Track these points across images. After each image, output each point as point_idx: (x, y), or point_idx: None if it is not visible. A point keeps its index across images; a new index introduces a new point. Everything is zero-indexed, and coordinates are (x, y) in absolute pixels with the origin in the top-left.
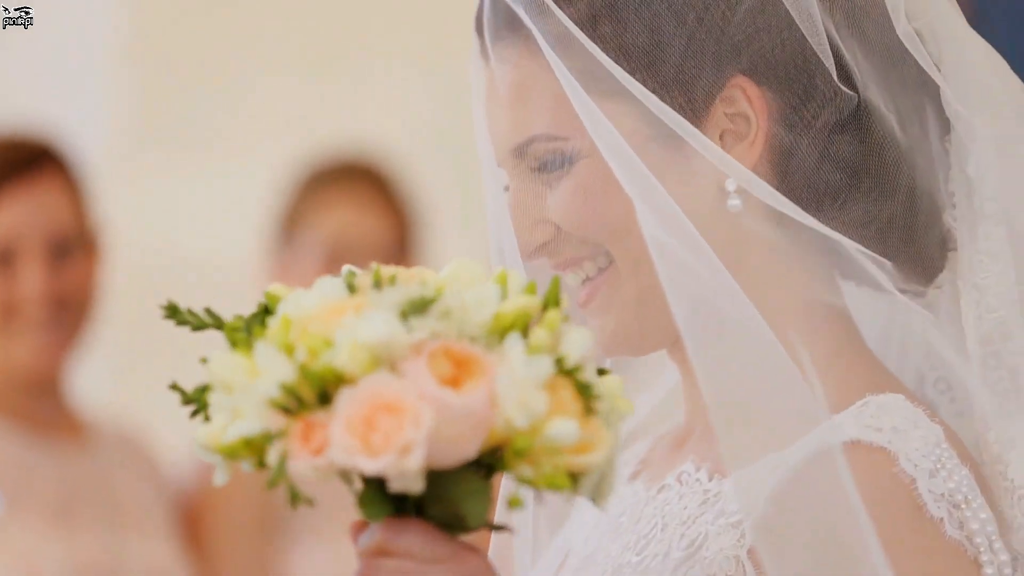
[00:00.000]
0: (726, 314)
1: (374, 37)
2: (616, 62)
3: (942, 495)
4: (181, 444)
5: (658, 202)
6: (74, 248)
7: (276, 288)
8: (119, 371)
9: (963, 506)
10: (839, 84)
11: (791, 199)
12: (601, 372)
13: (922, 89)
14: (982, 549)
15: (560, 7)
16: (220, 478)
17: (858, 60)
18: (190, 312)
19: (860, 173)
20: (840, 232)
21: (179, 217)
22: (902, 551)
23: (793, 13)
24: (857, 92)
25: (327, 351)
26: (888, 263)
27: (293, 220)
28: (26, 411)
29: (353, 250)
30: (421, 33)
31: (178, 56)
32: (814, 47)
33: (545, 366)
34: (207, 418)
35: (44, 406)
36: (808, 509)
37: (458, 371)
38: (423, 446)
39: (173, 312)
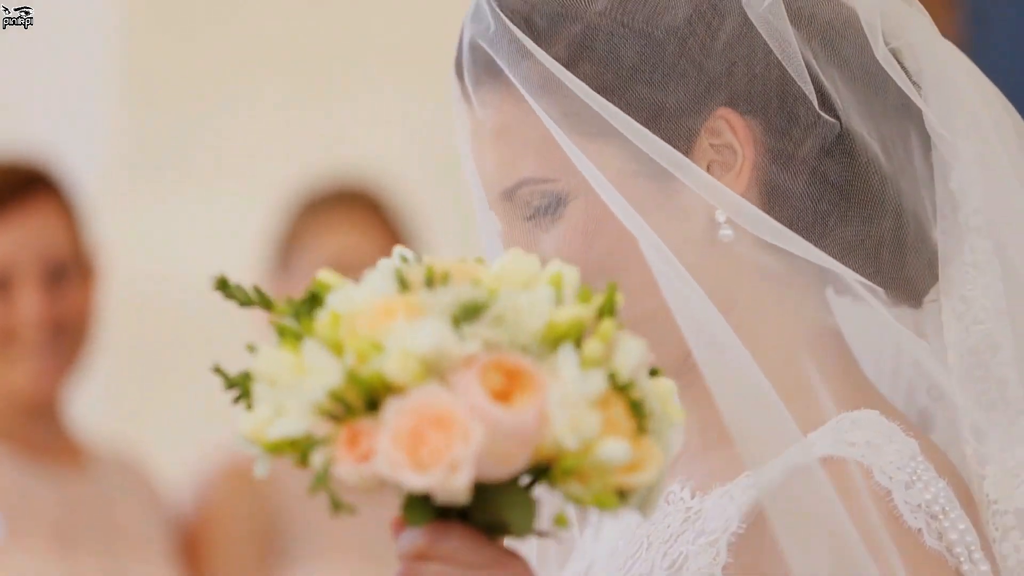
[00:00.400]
0: (715, 339)
1: (370, 61)
2: (596, 101)
3: (919, 506)
4: (179, 468)
5: (650, 237)
6: (70, 273)
7: (325, 275)
8: (116, 395)
9: (941, 517)
10: (820, 112)
11: (782, 225)
12: (653, 373)
13: (904, 112)
14: (962, 559)
15: (541, 48)
16: (261, 470)
17: (838, 88)
18: (239, 288)
19: (847, 197)
20: (830, 255)
21: (175, 241)
22: (882, 562)
23: (770, 43)
24: (839, 120)
25: (376, 356)
26: (880, 290)
27: (290, 244)
28: (25, 436)
29: (351, 274)
30: (417, 57)
31: (174, 80)
32: (794, 76)
33: (598, 383)
34: (249, 406)
35: (42, 430)
36: (780, 526)
37: (509, 384)
38: (472, 463)
39: (222, 285)
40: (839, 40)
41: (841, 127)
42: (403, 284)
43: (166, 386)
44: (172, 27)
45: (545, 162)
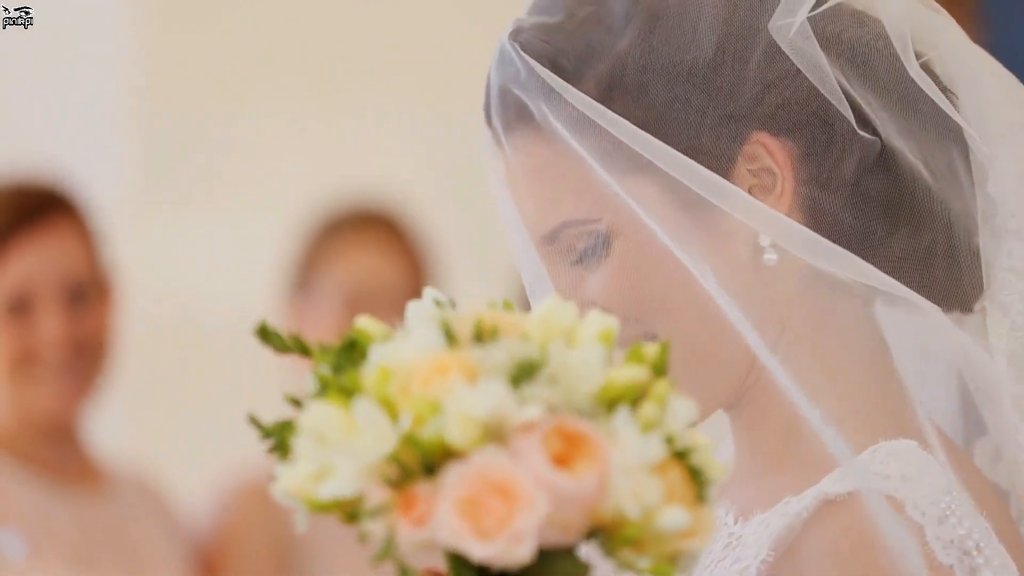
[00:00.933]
0: (762, 367)
1: (389, 81)
2: (632, 135)
3: (951, 541)
4: (196, 488)
5: (702, 267)
6: (89, 294)
7: (366, 324)
8: (133, 416)
9: (975, 553)
10: (859, 131)
11: (821, 242)
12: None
13: (942, 123)
14: None
15: (575, 87)
16: (301, 525)
17: (873, 106)
18: (277, 335)
19: (893, 212)
20: (879, 269)
21: (192, 261)
22: None
23: (802, 67)
24: (879, 136)
25: (435, 418)
26: (933, 306)
27: (309, 266)
28: (45, 457)
29: (370, 296)
30: (438, 77)
31: (191, 99)
32: (829, 98)
33: (657, 448)
34: (284, 457)
35: (62, 452)
36: (807, 558)
37: (569, 449)
38: (535, 534)
39: (263, 332)
40: (869, 59)
41: (882, 144)
42: (451, 338)
43: (183, 406)
44: (189, 46)
45: (584, 202)
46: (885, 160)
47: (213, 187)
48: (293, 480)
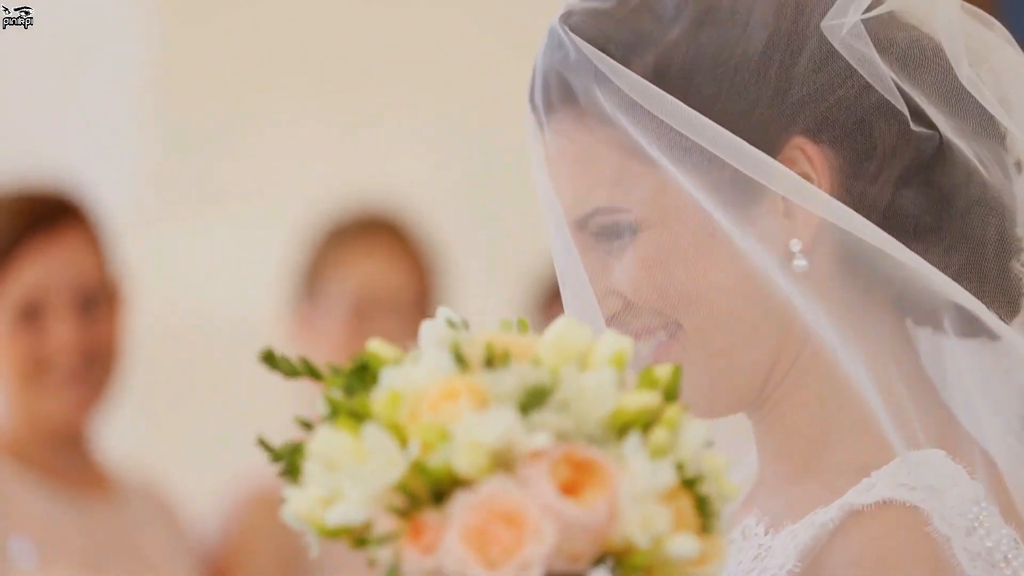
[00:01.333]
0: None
1: (400, 89)
2: (673, 131)
3: (978, 554)
4: (204, 495)
5: (728, 268)
6: (100, 301)
7: (376, 346)
8: (142, 424)
9: (1003, 565)
10: (915, 127)
11: (854, 254)
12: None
13: (992, 130)
14: None
15: (628, 68)
16: (314, 550)
17: (927, 105)
18: (284, 360)
19: (947, 210)
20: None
21: (202, 269)
22: None
23: (855, 65)
24: (937, 130)
25: (443, 446)
26: (985, 308)
27: (315, 273)
28: (54, 465)
29: (376, 304)
30: (448, 84)
31: (203, 108)
32: (882, 93)
33: (667, 475)
34: (294, 480)
35: (71, 460)
36: (833, 569)
37: (577, 476)
38: (543, 563)
39: (268, 358)
40: (921, 61)
41: (940, 139)
42: (461, 362)
43: (190, 414)
44: (203, 57)
45: (619, 192)
46: (943, 157)
47: (224, 195)
48: (302, 504)
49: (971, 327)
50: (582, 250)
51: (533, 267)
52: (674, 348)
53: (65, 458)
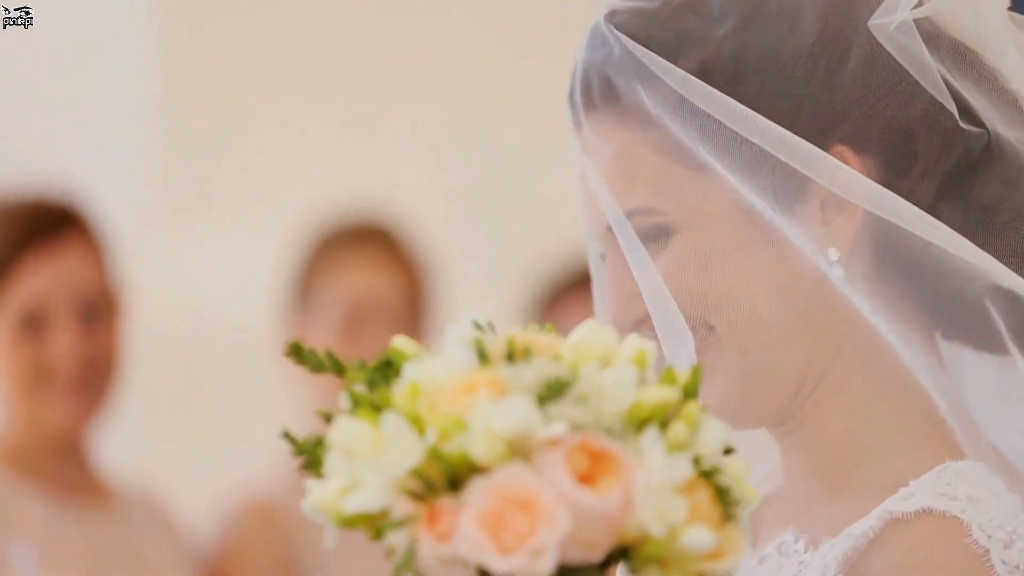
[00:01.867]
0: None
1: (402, 95)
2: (717, 131)
3: (1017, 566)
4: (204, 504)
5: (762, 274)
6: (101, 310)
7: (401, 342)
8: (141, 432)
9: None
10: (963, 125)
11: (890, 266)
12: (727, 452)
13: None
14: None
15: (673, 65)
16: (330, 540)
17: (978, 99)
18: (311, 353)
19: (1000, 207)
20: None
21: (204, 274)
22: None
23: (902, 62)
24: (986, 129)
25: (460, 434)
26: None
27: (308, 281)
28: (54, 473)
29: (369, 312)
30: (448, 90)
31: (204, 112)
32: (930, 90)
33: (684, 468)
34: (317, 474)
35: (71, 469)
36: None
37: (593, 466)
38: (556, 549)
39: (295, 351)
40: (971, 58)
41: (989, 137)
42: (483, 357)
43: (189, 422)
44: (203, 65)
45: (656, 193)
46: (991, 153)
47: (224, 198)
48: (322, 495)
49: (999, 343)
50: (613, 252)
51: (534, 271)
52: (708, 352)
53: (66, 467)
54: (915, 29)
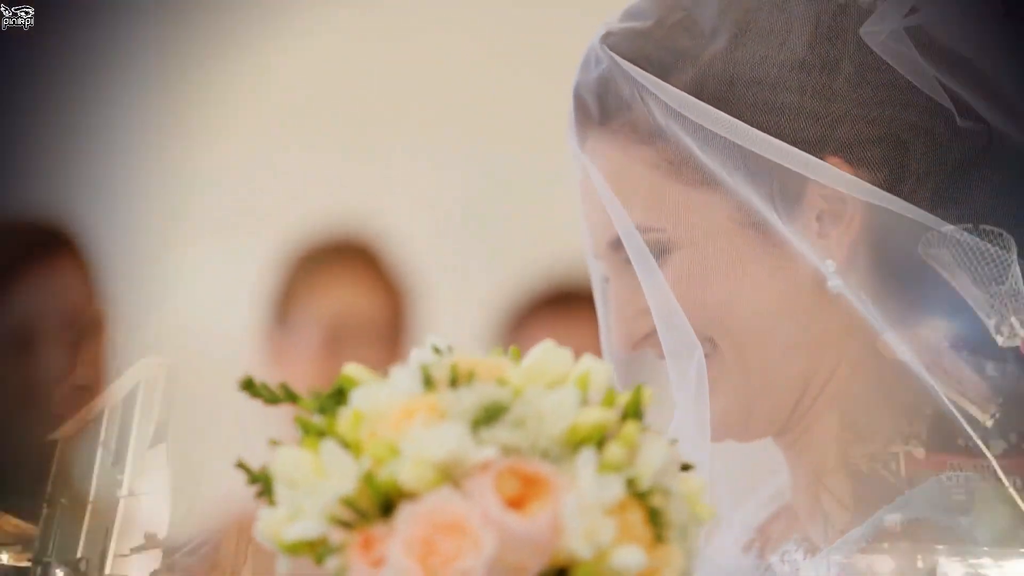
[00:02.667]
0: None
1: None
2: (713, 145)
3: None
4: (186, 523)
5: (762, 287)
6: (89, 330)
7: (352, 369)
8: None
9: None
10: (963, 123)
11: (887, 275)
12: (684, 468)
13: None
14: None
15: (667, 84)
16: (282, 569)
17: (975, 98)
18: (264, 386)
19: (991, 211)
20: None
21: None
22: None
23: (896, 66)
24: (987, 124)
25: (392, 461)
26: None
27: (287, 300)
28: None
29: (349, 330)
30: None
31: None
32: (927, 92)
33: (615, 490)
34: (271, 501)
35: None
36: None
37: (524, 490)
38: (484, 573)
39: (248, 385)
40: (963, 62)
41: (990, 133)
42: (428, 382)
43: (173, 440)
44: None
45: (651, 210)
46: (997, 147)
47: (212, 224)
48: (269, 523)
49: (1000, 348)
50: (615, 271)
51: (517, 290)
52: (711, 367)
53: None
54: (907, 37)
